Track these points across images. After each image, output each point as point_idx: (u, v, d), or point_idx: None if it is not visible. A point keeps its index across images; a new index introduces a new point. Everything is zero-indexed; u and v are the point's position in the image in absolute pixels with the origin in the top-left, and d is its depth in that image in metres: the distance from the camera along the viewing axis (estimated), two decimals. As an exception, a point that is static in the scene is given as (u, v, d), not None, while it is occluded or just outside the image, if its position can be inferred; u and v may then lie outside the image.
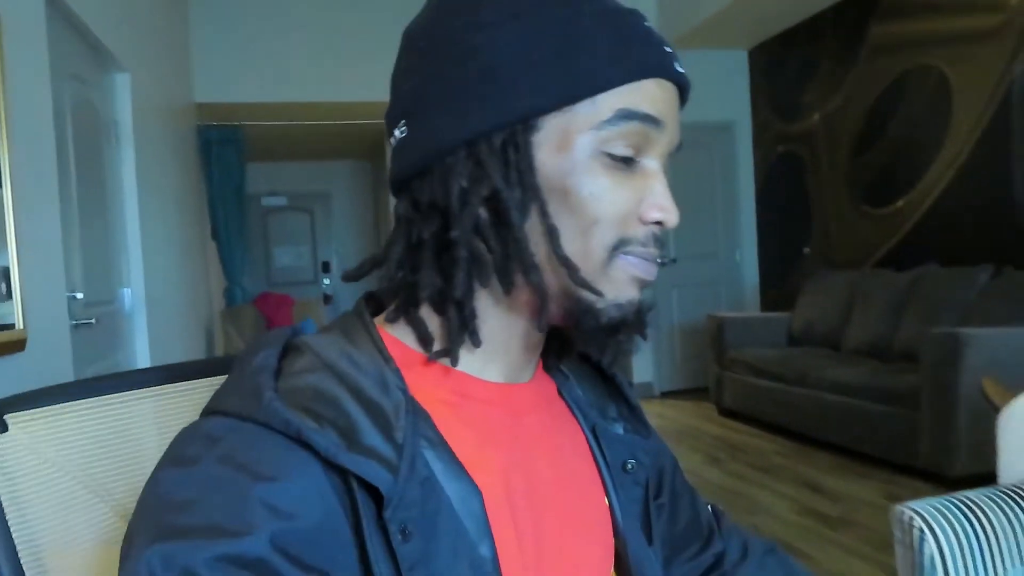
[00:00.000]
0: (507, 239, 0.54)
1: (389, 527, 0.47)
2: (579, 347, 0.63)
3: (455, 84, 0.54)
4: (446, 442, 0.54)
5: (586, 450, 0.65)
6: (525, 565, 0.54)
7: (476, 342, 0.56)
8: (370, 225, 9.22)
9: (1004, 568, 1.23)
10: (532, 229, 0.54)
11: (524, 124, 0.53)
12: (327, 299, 8.54)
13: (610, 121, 0.53)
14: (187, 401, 0.67)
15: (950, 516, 1.24)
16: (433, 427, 0.54)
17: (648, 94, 0.54)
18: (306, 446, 0.47)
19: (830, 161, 5.00)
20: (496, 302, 0.57)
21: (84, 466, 0.62)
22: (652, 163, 0.56)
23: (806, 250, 5.27)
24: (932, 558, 1.21)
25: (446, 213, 0.54)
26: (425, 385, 0.55)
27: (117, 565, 0.46)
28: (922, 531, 1.22)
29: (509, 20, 0.54)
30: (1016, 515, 1.27)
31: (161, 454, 0.50)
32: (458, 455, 0.53)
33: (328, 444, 0.47)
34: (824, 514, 2.93)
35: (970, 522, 1.24)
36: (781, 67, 5.42)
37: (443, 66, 0.55)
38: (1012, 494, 1.29)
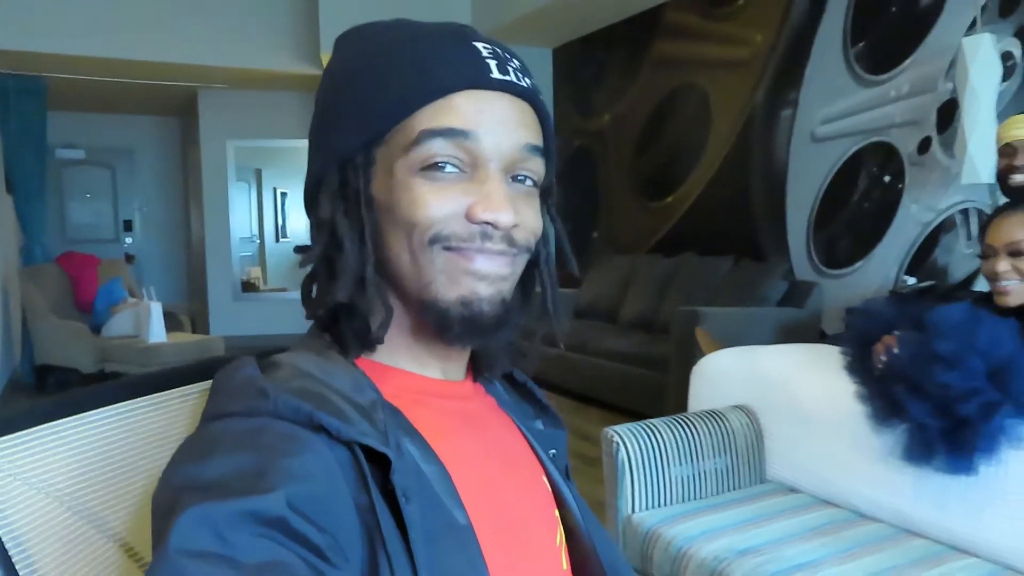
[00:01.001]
0: (344, 264, 0.59)
1: (397, 489, 0.51)
2: (484, 365, 0.68)
3: (312, 124, 0.63)
4: (417, 431, 0.58)
5: (522, 439, 0.69)
6: (495, 533, 0.58)
7: (370, 344, 0.60)
8: (178, 184, 8.94)
9: (670, 466, 1.78)
10: (371, 252, 0.59)
11: (352, 163, 0.59)
12: (129, 259, 8.22)
13: (416, 142, 0.57)
14: (163, 415, 0.66)
15: (637, 434, 1.77)
16: (405, 419, 0.59)
17: (454, 109, 0.57)
18: (312, 430, 0.51)
19: (617, 157, 5.69)
20: (396, 311, 0.61)
21: (75, 495, 0.58)
22: (486, 169, 0.58)
23: (595, 234, 5.95)
24: (623, 462, 1.73)
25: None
26: (386, 387, 0.59)
27: None
28: (617, 444, 1.74)
29: (339, 64, 0.62)
30: (680, 432, 1.82)
31: (152, 474, 0.51)
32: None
33: (336, 423, 0.51)
34: (587, 455, 3.52)
35: (650, 438, 1.77)
36: (580, 68, 6.03)
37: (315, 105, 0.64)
38: (680, 420, 1.85)
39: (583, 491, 0.76)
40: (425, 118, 0.57)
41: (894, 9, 3.74)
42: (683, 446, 1.80)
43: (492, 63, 0.58)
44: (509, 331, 0.61)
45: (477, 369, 0.69)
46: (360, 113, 0.59)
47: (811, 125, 4.19)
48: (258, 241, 10.56)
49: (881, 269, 3.85)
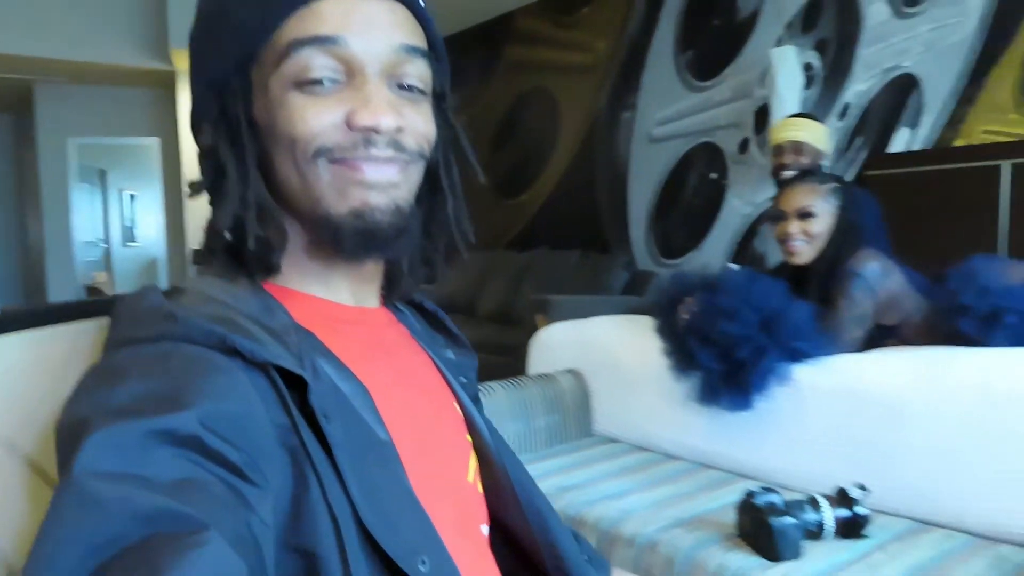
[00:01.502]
0: (229, 190, 0.57)
1: (316, 411, 0.50)
2: (394, 289, 0.67)
3: (189, 53, 0.62)
4: (332, 352, 0.58)
5: (434, 367, 0.69)
6: (415, 449, 0.58)
7: (270, 268, 0.58)
8: (8, 185, 8.37)
9: (506, 423, 1.96)
10: (256, 176, 0.58)
11: (228, 87, 0.57)
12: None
13: (286, 55, 0.55)
14: (66, 344, 0.61)
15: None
16: (319, 341, 0.58)
17: (320, 15, 0.55)
18: (225, 353, 0.49)
19: (475, 156, 5.88)
20: (294, 232, 0.60)
21: None
22: (362, 75, 0.56)
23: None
24: (461, 419, 1.90)
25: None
26: (296, 313, 0.58)
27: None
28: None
29: None
30: (515, 393, 2.01)
31: (58, 400, 0.48)
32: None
33: (250, 345, 0.50)
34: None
35: (486, 398, 1.95)
36: (438, 71, 6.20)
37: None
38: (515, 382, 2.03)
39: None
40: (292, 28, 0.55)
41: (716, 22, 4.13)
42: (517, 405, 1.99)
43: None
44: (408, 241, 0.60)
45: (389, 296, 0.68)
46: (228, 34, 0.57)
47: (648, 127, 4.54)
48: (104, 246, 10.02)
49: (711, 258, 4.23)
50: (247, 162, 0.57)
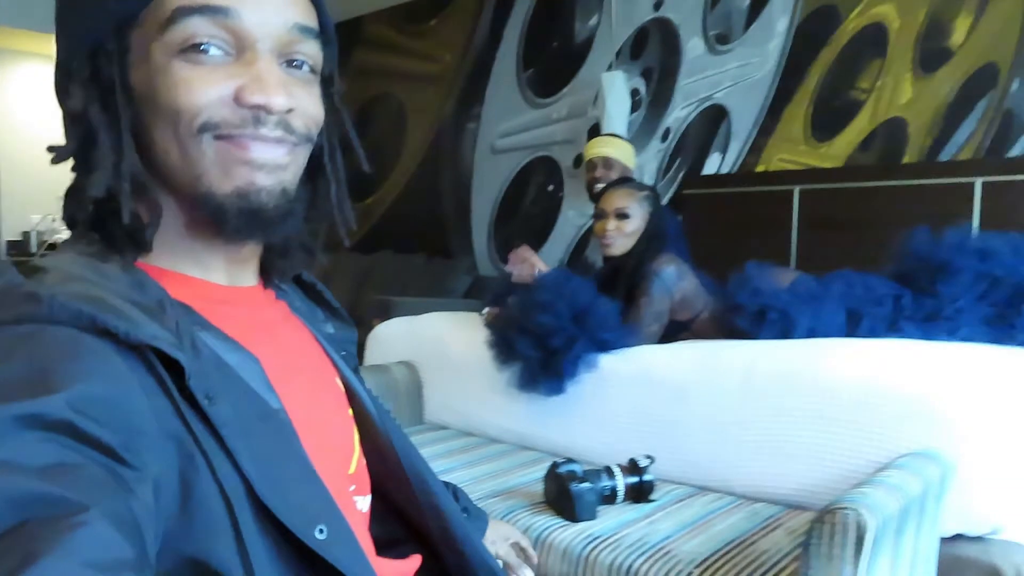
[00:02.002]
0: (100, 158, 0.53)
1: (196, 394, 0.48)
2: (271, 271, 0.65)
3: (56, 5, 0.57)
4: (214, 325, 0.56)
5: (315, 343, 0.69)
6: (306, 417, 0.58)
7: (141, 245, 0.55)
8: None
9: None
10: (129, 144, 0.54)
11: (104, 49, 0.54)
12: None
13: (171, 21, 0.52)
14: None
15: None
16: (198, 314, 0.55)
17: None
18: (96, 335, 0.46)
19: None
20: (168, 208, 0.57)
21: None
22: (254, 51, 0.54)
23: (299, 233, 6.09)
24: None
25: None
26: (169, 292, 0.55)
27: None
28: (291, 390, 1.98)
29: None
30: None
31: None
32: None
33: (123, 325, 0.46)
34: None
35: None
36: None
37: None
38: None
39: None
40: None
41: (555, 44, 4.41)
42: (351, 393, 2.09)
43: None
44: (293, 224, 0.58)
45: (267, 274, 0.66)
46: None
47: (491, 138, 4.77)
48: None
49: (548, 265, 4.49)
50: (121, 130, 0.54)
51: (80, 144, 0.55)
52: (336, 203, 0.66)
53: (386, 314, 4.07)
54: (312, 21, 0.58)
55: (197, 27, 0.52)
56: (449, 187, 5.01)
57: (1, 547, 0.34)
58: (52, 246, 5.72)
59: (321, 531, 0.51)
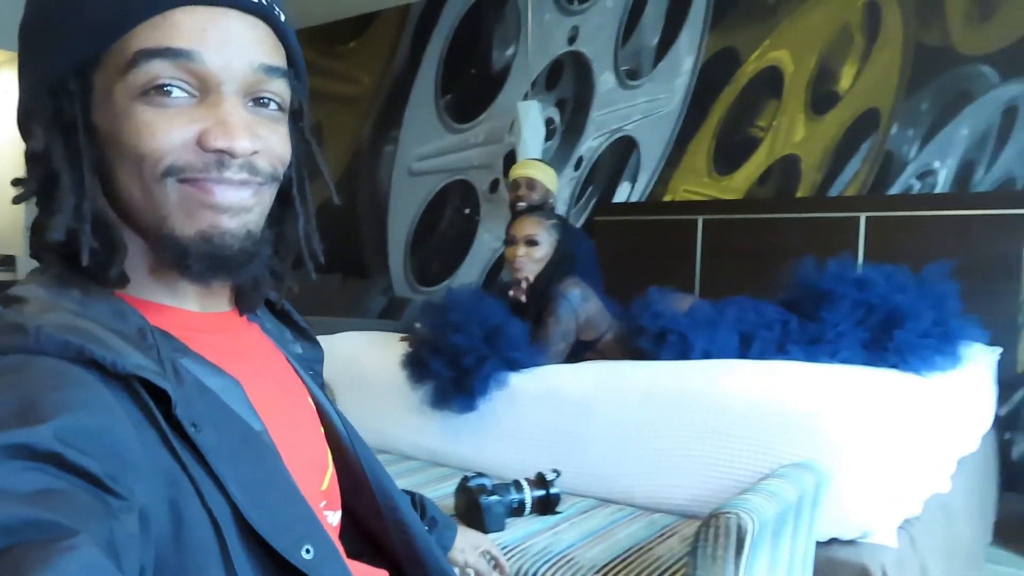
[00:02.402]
0: (61, 199, 0.53)
1: (182, 422, 0.49)
2: (242, 302, 0.65)
3: (19, 44, 0.56)
4: (194, 350, 0.56)
5: (287, 364, 0.70)
6: (285, 437, 0.59)
7: (116, 282, 0.55)
8: None
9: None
10: (92, 185, 0.54)
11: (65, 89, 0.53)
12: None
13: (133, 64, 0.52)
14: None
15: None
16: (178, 340, 0.56)
17: (175, 26, 0.52)
18: (82, 365, 0.46)
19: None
20: (135, 246, 0.57)
21: None
22: (218, 93, 0.54)
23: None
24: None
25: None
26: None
27: None
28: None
29: None
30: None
31: None
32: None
33: (110, 356, 0.47)
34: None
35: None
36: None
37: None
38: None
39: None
40: (141, 37, 0.52)
41: (473, 71, 4.52)
42: (264, 411, 2.10)
43: None
44: (258, 264, 0.58)
45: (239, 301, 0.65)
46: (69, 31, 0.53)
47: (409, 161, 4.82)
48: None
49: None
50: (83, 170, 0.54)
51: (41, 183, 0.55)
52: (304, 236, 0.66)
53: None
54: (279, 60, 0.58)
55: (160, 69, 0.52)
56: (366, 208, 5.03)
57: None
58: None
59: (308, 551, 0.52)
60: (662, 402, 1.83)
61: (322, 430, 0.70)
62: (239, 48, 0.54)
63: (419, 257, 4.80)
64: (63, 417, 0.42)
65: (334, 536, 0.67)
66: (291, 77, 0.59)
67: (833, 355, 2.02)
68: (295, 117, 0.63)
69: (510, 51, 4.38)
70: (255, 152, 0.55)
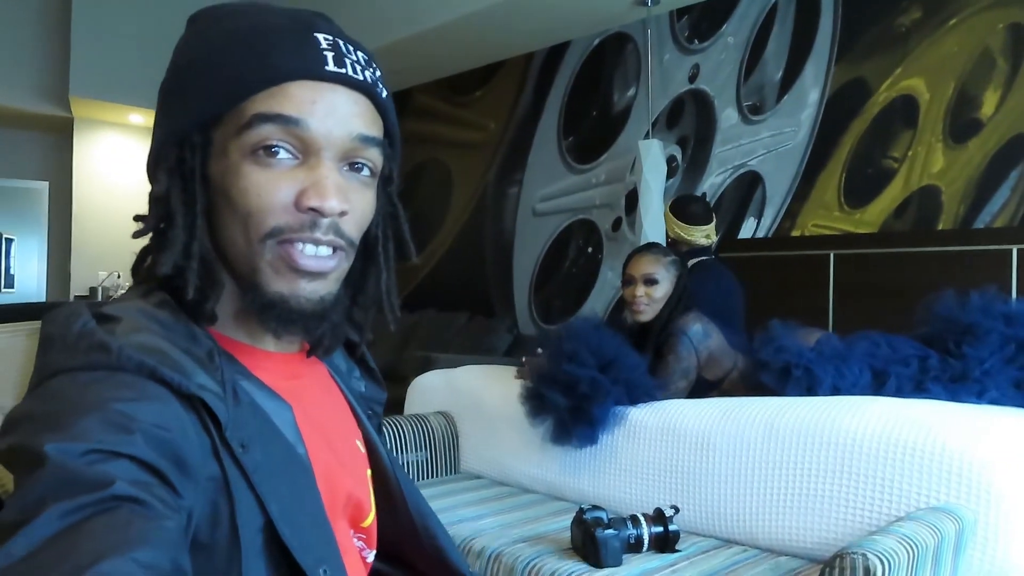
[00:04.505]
0: (174, 237, 0.60)
1: (231, 444, 0.55)
2: (317, 348, 0.68)
3: (158, 102, 0.65)
4: (254, 375, 0.62)
5: (345, 405, 0.75)
6: (325, 467, 0.64)
7: (209, 317, 0.61)
8: None
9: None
10: (202, 227, 0.61)
11: (190, 142, 0.61)
12: None
13: (248, 125, 0.59)
14: None
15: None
16: (240, 364, 0.62)
17: (289, 96, 0.59)
18: (157, 383, 0.53)
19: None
20: (228, 285, 0.63)
21: None
22: (317, 157, 0.60)
23: (346, 291, 6.29)
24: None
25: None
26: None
27: None
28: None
29: (185, 45, 0.64)
30: (388, 430, 2.21)
31: None
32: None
33: (178, 378, 0.53)
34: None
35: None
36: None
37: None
38: (390, 420, 2.24)
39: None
40: (259, 103, 0.59)
41: (595, 114, 4.59)
42: (391, 441, 2.19)
43: (329, 55, 0.61)
44: (329, 325, 0.64)
45: (312, 351, 0.70)
46: (199, 94, 0.61)
47: (532, 202, 4.93)
48: (-27, 290, 9.52)
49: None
50: (196, 213, 0.61)
51: (158, 223, 0.62)
52: (385, 290, 0.71)
53: (429, 369, 4.18)
54: (376, 130, 0.64)
55: (270, 132, 0.59)
56: (492, 248, 5.17)
57: (100, 522, 0.44)
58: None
59: (325, 571, 0.57)
60: (785, 438, 1.77)
61: (369, 472, 0.74)
62: (341, 119, 0.61)
63: (543, 296, 4.86)
64: (148, 429, 0.50)
65: (365, 571, 0.72)
66: (385, 146, 0.66)
67: (980, 395, 1.89)
68: (385, 182, 0.69)
69: (631, 92, 4.42)
70: (343, 213, 0.61)
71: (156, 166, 0.63)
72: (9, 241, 9.71)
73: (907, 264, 3.23)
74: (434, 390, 2.51)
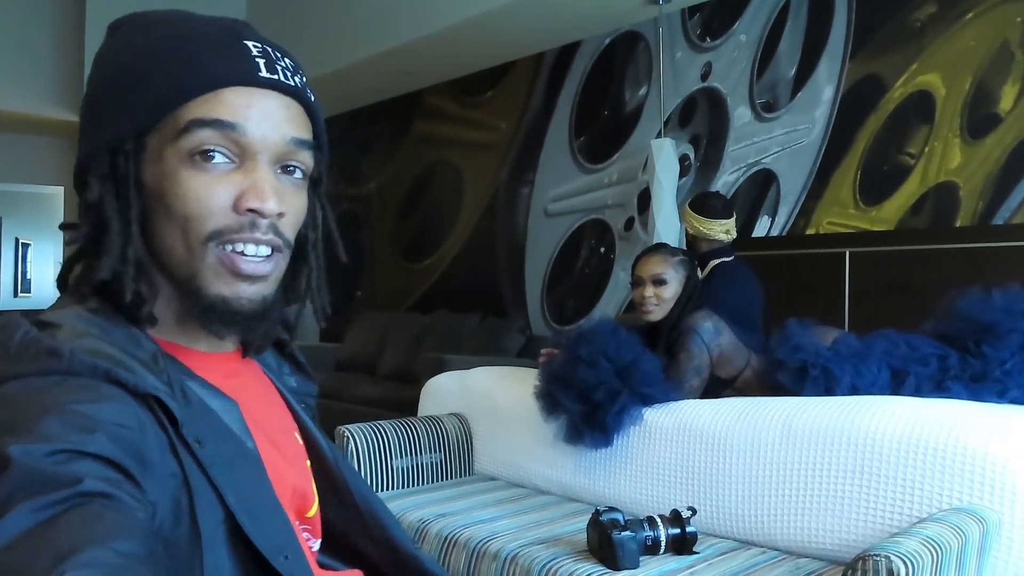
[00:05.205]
0: (110, 244, 0.62)
1: (188, 439, 0.56)
2: (249, 346, 0.72)
3: (83, 108, 0.66)
4: (198, 375, 0.64)
5: (280, 400, 0.77)
6: (271, 461, 0.66)
7: (149, 321, 0.62)
8: None
9: (393, 459, 2.15)
10: (137, 234, 0.62)
11: (122, 149, 0.62)
12: None
13: (185, 131, 0.60)
14: None
15: (365, 431, 2.13)
16: (184, 366, 0.64)
17: (224, 102, 0.61)
18: (112, 384, 0.54)
19: (380, 222, 6.13)
20: (164, 290, 0.65)
21: None
22: (254, 160, 0.62)
23: (358, 293, 6.29)
24: (352, 453, 2.08)
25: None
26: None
27: None
28: (348, 438, 2.09)
29: (111, 52, 0.65)
30: (403, 431, 2.21)
31: None
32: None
33: (132, 378, 0.55)
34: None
35: (376, 434, 2.14)
36: (348, 139, 6.46)
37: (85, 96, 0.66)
38: (404, 422, 2.24)
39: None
40: (194, 109, 0.60)
41: (606, 113, 4.57)
42: (405, 442, 2.18)
43: (261, 62, 0.63)
44: (268, 324, 0.67)
45: (245, 349, 0.73)
46: (132, 101, 0.62)
47: (544, 202, 4.91)
48: (-10, 295, 9.60)
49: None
50: (131, 221, 0.62)
51: (92, 229, 0.63)
52: (315, 287, 0.74)
53: (441, 371, 4.17)
54: (307, 133, 0.67)
55: (207, 137, 0.61)
56: (504, 249, 5.16)
57: (75, 515, 0.44)
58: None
59: (286, 557, 0.60)
60: (804, 439, 1.75)
61: (308, 463, 0.75)
62: (275, 123, 0.63)
63: (555, 296, 4.85)
64: (109, 427, 0.51)
65: (313, 559, 0.73)
66: (315, 148, 0.68)
67: (1002, 394, 1.86)
68: (314, 184, 0.72)
69: (642, 91, 4.40)
70: (281, 214, 0.63)
71: (86, 173, 0.64)
72: (26, 246, 9.80)
73: (924, 262, 3.19)
74: (448, 392, 2.50)
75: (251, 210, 0.61)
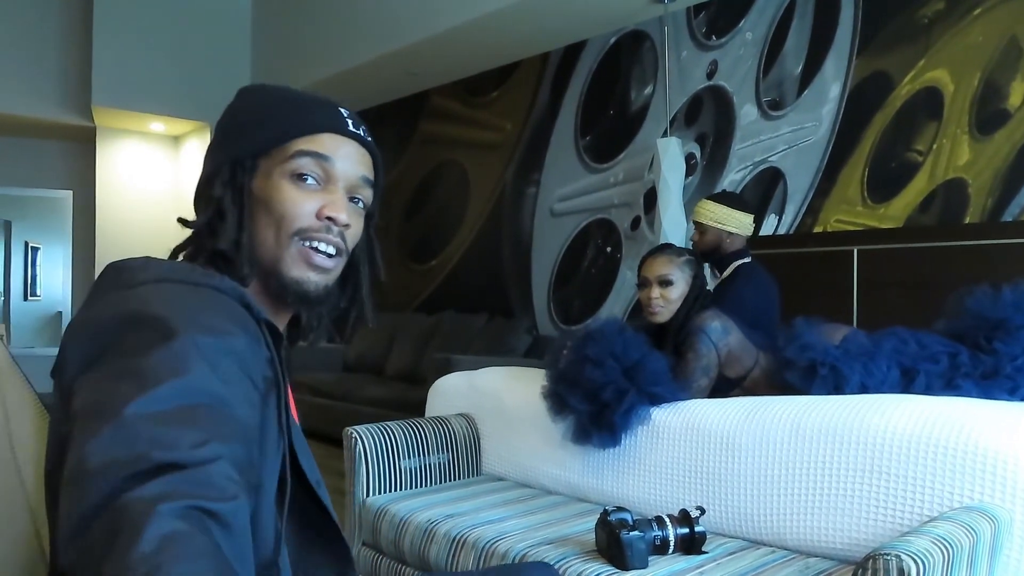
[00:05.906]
0: (226, 228, 0.83)
1: (282, 357, 0.75)
2: (304, 336, 0.94)
3: (213, 139, 0.90)
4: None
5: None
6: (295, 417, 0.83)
7: (243, 281, 0.82)
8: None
9: (401, 459, 2.15)
10: (246, 224, 0.83)
11: (242, 164, 0.84)
12: None
13: (292, 156, 0.84)
14: None
15: (373, 432, 2.13)
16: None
17: (321, 142, 0.85)
18: (242, 307, 0.71)
19: (386, 223, 6.13)
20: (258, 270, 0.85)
21: None
22: (334, 184, 0.85)
23: (366, 295, 6.31)
24: (360, 454, 2.08)
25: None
26: None
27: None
28: (355, 439, 2.08)
29: (241, 104, 0.90)
30: (410, 432, 2.20)
31: None
32: None
33: (256, 304, 0.73)
34: (341, 488, 3.79)
35: (384, 435, 2.14)
36: (357, 141, 6.48)
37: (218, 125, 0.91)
38: (411, 422, 2.23)
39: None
40: (301, 143, 0.85)
41: (612, 112, 4.57)
42: (412, 443, 2.18)
43: (349, 121, 0.88)
44: (327, 307, 0.89)
45: (298, 338, 0.95)
46: (257, 134, 0.86)
47: (550, 202, 4.91)
48: (2, 298, 9.66)
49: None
50: (244, 216, 0.84)
51: (209, 220, 0.84)
52: (364, 296, 0.95)
53: (448, 371, 4.16)
54: (371, 175, 0.91)
55: (306, 164, 0.85)
56: (510, 249, 5.15)
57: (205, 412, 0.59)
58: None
59: (319, 486, 0.80)
60: (813, 438, 1.74)
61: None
62: (353, 163, 0.88)
63: (562, 296, 4.84)
64: (244, 336, 0.68)
65: None
66: (374, 187, 0.92)
67: (1013, 391, 1.84)
68: (368, 218, 0.93)
69: (648, 90, 4.39)
70: (348, 226, 0.86)
71: (213, 178, 0.86)
72: (35, 250, 9.85)
73: (933, 259, 3.17)
74: (455, 392, 2.50)
75: (329, 218, 0.84)
